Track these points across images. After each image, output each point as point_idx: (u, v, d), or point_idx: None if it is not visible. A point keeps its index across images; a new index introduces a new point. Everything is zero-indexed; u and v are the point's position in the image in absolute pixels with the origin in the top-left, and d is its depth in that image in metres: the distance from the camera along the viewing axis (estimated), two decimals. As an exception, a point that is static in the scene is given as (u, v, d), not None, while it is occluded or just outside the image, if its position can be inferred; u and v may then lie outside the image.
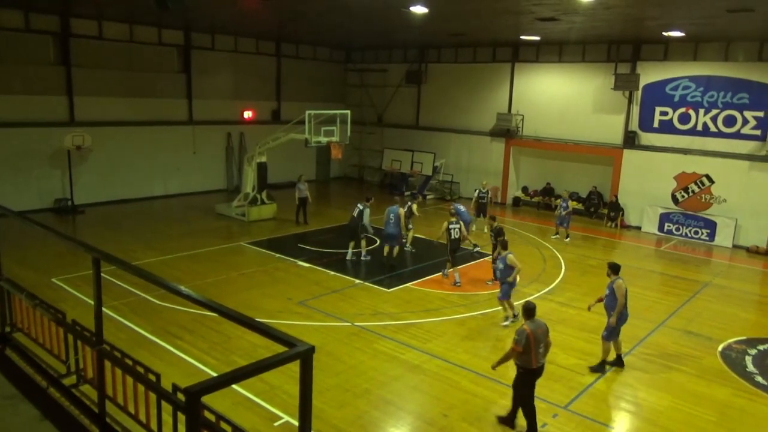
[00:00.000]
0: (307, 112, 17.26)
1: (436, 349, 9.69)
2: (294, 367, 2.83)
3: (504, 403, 8.11)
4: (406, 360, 9.31)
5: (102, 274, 4.34)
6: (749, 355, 10.14)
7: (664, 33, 17.15)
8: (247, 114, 24.04)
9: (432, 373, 8.91)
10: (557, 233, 17.96)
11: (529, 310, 7.23)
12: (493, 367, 7.56)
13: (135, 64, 20.50)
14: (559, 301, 12.40)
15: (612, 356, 9.20)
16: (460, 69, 24.34)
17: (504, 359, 7.36)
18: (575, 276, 14.28)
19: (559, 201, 18.55)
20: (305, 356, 2.82)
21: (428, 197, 24.23)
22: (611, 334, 9.01)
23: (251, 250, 15.37)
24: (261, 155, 18.61)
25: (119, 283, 11.49)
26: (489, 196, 18.36)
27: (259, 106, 24.46)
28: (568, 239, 17.59)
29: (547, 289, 13.14)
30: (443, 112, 25.10)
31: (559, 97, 21.87)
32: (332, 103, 25.11)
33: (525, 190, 23.64)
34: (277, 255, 14.83)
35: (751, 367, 9.65)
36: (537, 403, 8.10)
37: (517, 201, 23.41)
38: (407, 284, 13.00)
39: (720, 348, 10.36)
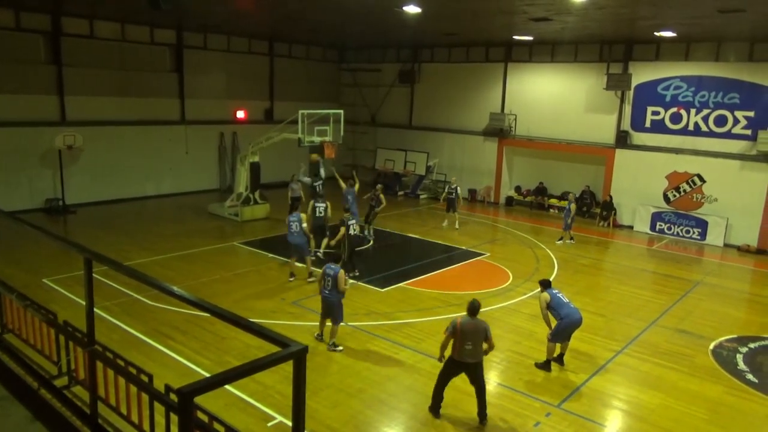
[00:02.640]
0: (300, 111, 17.22)
1: (430, 348, 9.68)
2: (287, 368, 2.82)
3: (498, 402, 8.13)
4: (400, 360, 9.31)
5: (94, 275, 4.31)
6: (740, 353, 10.22)
7: (655, 33, 17.24)
8: (240, 114, 23.98)
9: (426, 372, 8.91)
10: (566, 237, 17.57)
11: (472, 309, 7.52)
12: (439, 359, 7.75)
13: (127, 63, 20.39)
14: (552, 300, 12.42)
15: (556, 353, 9.29)
16: (453, 69, 24.38)
17: (441, 348, 7.68)
18: (567, 275, 14.32)
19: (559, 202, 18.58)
20: (298, 356, 2.82)
21: (421, 197, 24.26)
22: (555, 337, 9.09)
23: (244, 250, 15.33)
24: (254, 155, 18.56)
25: (111, 283, 11.43)
26: (458, 192, 18.61)
27: (251, 105, 24.40)
28: (560, 242, 17.51)
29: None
30: (436, 111, 25.13)
31: (552, 97, 21.94)
32: (325, 103, 25.07)
33: (518, 189, 23.69)
34: (270, 255, 14.80)
35: (742, 365, 9.72)
36: (530, 402, 8.16)
37: (510, 200, 23.46)
38: (401, 284, 13.00)
39: (711, 346, 10.43)
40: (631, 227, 20.11)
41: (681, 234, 19.08)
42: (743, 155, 18.02)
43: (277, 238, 16.61)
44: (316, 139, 17.49)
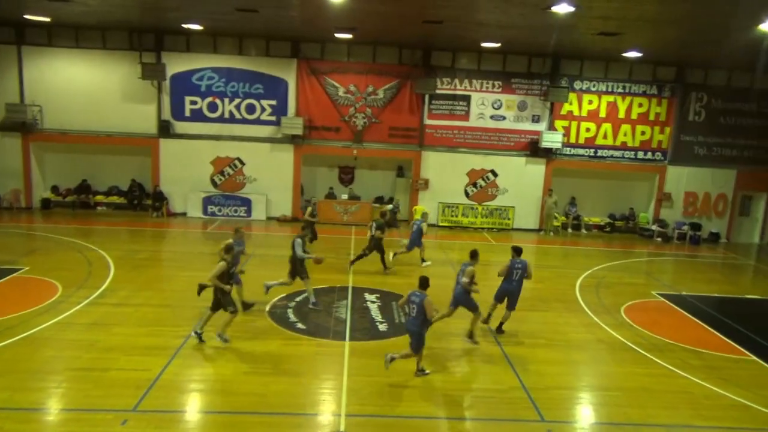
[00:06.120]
0: None
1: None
2: None
3: (67, 429, 7.03)
4: None
5: None
6: (290, 308, 11.75)
7: (183, 25, 17.72)
8: None
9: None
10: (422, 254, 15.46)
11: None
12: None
13: None
14: (114, 303, 11.53)
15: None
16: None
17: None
18: (126, 273, 13.54)
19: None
20: None
21: None
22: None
23: None
24: None
25: None
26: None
27: None
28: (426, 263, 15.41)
29: (97, 293, 12.00)
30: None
31: (84, 86, 20.11)
32: None
33: (56, 189, 20.97)
34: None
35: (293, 318, 11.21)
36: (102, 416, 7.37)
37: (47, 203, 20.58)
38: None
39: (268, 308, 11.62)
40: (184, 214, 20.55)
41: (230, 214, 20.68)
42: (272, 138, 20.68)
43: None
44: None
